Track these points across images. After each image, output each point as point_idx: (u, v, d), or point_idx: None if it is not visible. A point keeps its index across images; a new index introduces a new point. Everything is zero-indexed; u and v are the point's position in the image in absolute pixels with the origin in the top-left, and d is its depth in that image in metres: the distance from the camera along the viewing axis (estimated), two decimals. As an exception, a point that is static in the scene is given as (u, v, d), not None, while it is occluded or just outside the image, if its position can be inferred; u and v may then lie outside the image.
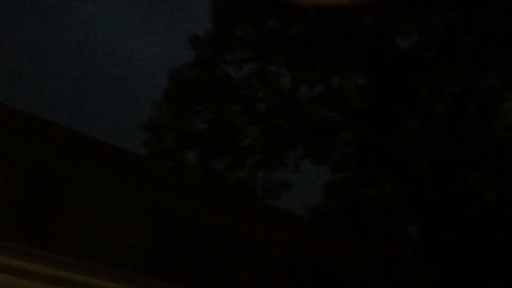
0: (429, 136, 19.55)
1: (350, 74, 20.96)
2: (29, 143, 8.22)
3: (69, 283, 6.13)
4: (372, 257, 12.02)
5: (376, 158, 20.01)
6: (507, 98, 19.03)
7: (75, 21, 58.28)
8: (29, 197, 7.57)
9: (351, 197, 21.32)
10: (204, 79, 20.94)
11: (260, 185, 21.63)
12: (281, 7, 20.14)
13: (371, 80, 20.41)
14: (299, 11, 20.22)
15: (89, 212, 8.07)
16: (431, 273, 19.68)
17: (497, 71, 19.02)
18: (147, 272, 7.84)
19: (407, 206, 20.52)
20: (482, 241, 16.89)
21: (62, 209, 7.78)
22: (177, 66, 20.97)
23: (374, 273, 11.65)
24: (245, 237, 9.89)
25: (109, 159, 9.07)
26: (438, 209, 18.16)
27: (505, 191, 18.26)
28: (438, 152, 19.22)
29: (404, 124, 20.05)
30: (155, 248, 8.39)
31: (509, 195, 17.84)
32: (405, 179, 19.78)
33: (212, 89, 20.88)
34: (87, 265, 6.35)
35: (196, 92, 20.97)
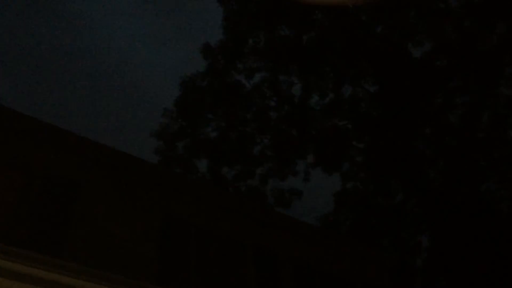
0: (441, 145, 19.40)
1: (362, 83, 20.91)
2: (41, 150, 8.26)
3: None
4: (383, 266, 11.91)
5: (387, 167, 19.88)
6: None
7: (87, 28, 58.88)
8: (40, 204, 7.60)
9: (362, 206, 21.19)
10: (215, 88, 21.02)
11: (270, 194, 21.61)
12: (292, 16, 20.20)
13: (382, 88, 20.33)
14: (311, 20, 20.25)
15: (100, 219, 8.08)
16: (442, 284, 19.45)
17: (511, 80, 18.85)
18: (157, 280, 7.82)
19: (419, 216, 20.33)
20: (494, 252, 16.66)
21: (72, 216, 7.81)
22: (189, 74, 21.10)
23: (385, 283, 11.53)
24: (255, 246, 9.84)
25: (120, 167, 9.09)
26: (450, 219, 17.96)
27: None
28: (451, 161, 19.05)
29: (416, 133, 19.92)
30: (165, 256, 8.37)
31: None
32: (417, 189, 19.61)
33: (223, 97, 20.94)
34: (96, 273, 6.35)
35: (207, 100, 21.04)
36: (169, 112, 21.17)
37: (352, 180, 21.44)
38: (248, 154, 21.50)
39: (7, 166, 7.66)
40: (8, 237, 6.54)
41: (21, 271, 5.78)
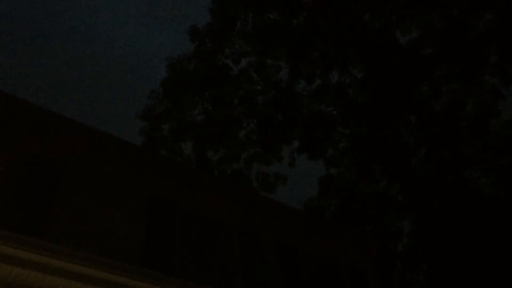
0: (426, 133, 19.59)
1: (349, 69, 20.95)
2: (25, 131, 8.17)
3: (63, 272, 6.11)
4: (366, 251, 12.07)
5: (371, 154, 20.04)
6: (505, 96, 19.09)
7: (76, 7, 57.89)
8: (23, 186, 7.53)
9: (345, 192, 21.38)
10: (203, 70, 20.87)
11: (255, 178, 21.68)
12: (281, 0, 20.06)
13: (369, 75, 20.40)
14: (300, 5, 20.15)
15: (84, 201, 8.04)
16: (423, 269, 19.79)
17: (496, 69, 19.05)
18: (142, 262, 7.83)
19: (402, 202, 20.59)
20: (475, 238, 16.97)
21: (57, 198, 7.75)
22: (176, 56, 20.92)
23: (367, 267, 11.70)
24: (240, 229, 9.89)
25: (105, 148, 9.03)
26: (433, 205, 18.22)
27: (501, 188, 18.34)
28: (434, 148, 19.26)
29: (401, 120, 20.08)
30: (150, 239, 8.38)
31: (505, 193, 17.93)
32: (400, 175, 19.82)
33: (210, 80, 20.82)
34: (81, 255, 6.33)
35: (194, 83, 20.91)
36: (155, 93, 21.01)
37: (336, 166, 21.61)
38: (234, 138, 21.48)
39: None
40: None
41: (5, 252, 5.74)
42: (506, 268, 15.96)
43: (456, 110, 19.43)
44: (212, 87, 20.95)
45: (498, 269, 16.09)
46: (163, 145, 21.09)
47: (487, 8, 18.37)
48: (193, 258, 8.71)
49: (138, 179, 9.12)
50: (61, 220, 7.51)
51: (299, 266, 10.28)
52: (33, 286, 5.86)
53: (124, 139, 9.42)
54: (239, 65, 21.27)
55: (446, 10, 19.10)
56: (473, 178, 19.22)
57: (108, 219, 8.09)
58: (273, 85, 21.22)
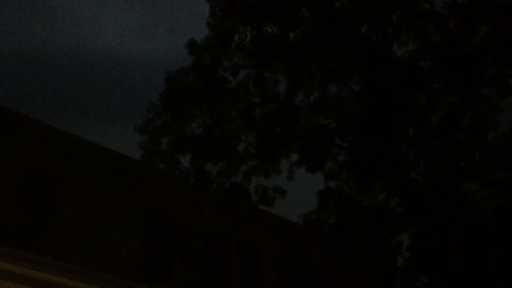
0: (424, 145, 19.59)
1: (347, 82, 21.01)
2: (22, 145, 8.14)
3: (60, 287, 6.05)
4: (366, 264, 12.00)
5: (370, 167, 20.01)
6: (502, 109, 19.14)
7: (75, 22, 58.22)
8: (21, 200, 7.49)
9: (345, 205, 21.30)
10: (201, 83, 20.92)
11: (254, 191, 21.62)
12: (279, 13, 20.19)
13: (367, 88, 20.45)
14: (297, 18, 20.26)
15: (82, 216, 7.99)
16: (423, 282, 19.67)
17: (493, 81, 19.12)
18: (140, 277, 7.76)
19: (401, 215, 20.52)
20: (475, 251, 16.90)
21: (54, 212, 7.70)
22: (174, 70, 20.98)
23: (366, 280, 11.62)
24: (239, 242, 9.83)
25: (103, 162, 9.01)
26: (432, 218, 18.16)
27: (499, 201, 18.31)
28: (433, 161, 19.25)
29: (399, 133, 20.08)
30: (148, 253, 8.32)
31: (503, 205, 17.89)
32: (399, 188, 19.78)
33: (208, 93, 20.86)
34: (78, 270, 6.28)
35: (192, 96, 20.94)
36: (154, 106, 21.04)
37: (335, 179, 21.56)
38: (232, 151, 21.45)
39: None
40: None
41: (2, 267, 5.69)
42: (506, 280, 15.87)
43: (454, 122, 19.46)
44: (211, 100, 20.98)
45: (497, 281, 16.00)
46: (161, 158, 21.07)
47: (483, 20, 18.49)
48: (192, 272, 8.64)
49: (137, 193, 9.09)
50: (58, 235, 7.45)
51: (298, 279, 10.20)
52: (30, 301, 5.80)
53: (122, 153, 9.40)
54: (237, 78, 21.34)
55: (443, 23, 19.22)
56: (471, 191, 19.20)
57: (106, 233, 8.03)
58: (271, 97, 21.25)
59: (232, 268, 9.28)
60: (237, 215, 10.39)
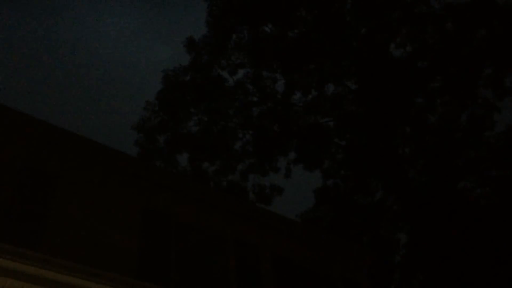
0: (421, 144, 19.66)
1: (344, 81, 21.06)
2: (18, 142, 8.15)
3: (57, 283, 6.07)
4: (363, 262, 12.03)
5: (368, 165, 20.07)
6: (499, 108, 19.23)
7: (74, 22, 58.20)
8: (17, 197, 7.50)
9: (342, 203, 21.36)
10: (198, 82, 20.94)
11: (251, 189, 21.65)
12: (277, 13, 20.22)
13: (364, 87, 20.50)
14: (295, 17, 20.30)
15: (78, 213, 8.01)
16: (420, 280, 19.74)
17: (490, 82, 19.21)
18: (137, 273, 7.78)
19: (398, 213, 20.59)
20: (472, 248, 16.98)
21: (51, 209, 7.71)
22: (172, 68, 20.99)
23: (363, 278, 11.66)
24: (236, 240, 9.86)
25: (100, 159, 9.01)
26: (428, 216, 18.24)
27: (495, 199, 18.40)
28: (430, 160, 19.32)
29: (397, 131, 20.15)
30: (145, 250, 8.33)
31: (499, 203, 17.97)
32: (396, 186, 19.85)
33: (206, 92, 20.88)
34: (75, 266, 6.30)
35: (189, 94, 20.95)
36: (151, 105, 21.03)
37: (332, 177, 21.61)
38: (230, 149, 21.49)
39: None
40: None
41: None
42: (503, 278, 15.95)
43: (451, 121, 19.54)
44: (208, 98, 20.99)
45: (494, 279, 16.08)
46: (158, 156, 21.07)
47: (480, 21, 18.56)
48: (188, 269, 8.67)
49: (133, 190, 9.10)
50: (55, 232, 7.47)
51: (295, 277, 10.24)
52: (27, 297, 5.82)
53: (119, 150, 9.40)
54: (235, 76, 21.36)
55: (440, 24, 19.29)
56: (468, 189, 19.28)
57: (103, 230, 8.05)
58: (269, 96, 21.29)
59: (229, 265, 9.31)
60: (234, 212, 10.40)
